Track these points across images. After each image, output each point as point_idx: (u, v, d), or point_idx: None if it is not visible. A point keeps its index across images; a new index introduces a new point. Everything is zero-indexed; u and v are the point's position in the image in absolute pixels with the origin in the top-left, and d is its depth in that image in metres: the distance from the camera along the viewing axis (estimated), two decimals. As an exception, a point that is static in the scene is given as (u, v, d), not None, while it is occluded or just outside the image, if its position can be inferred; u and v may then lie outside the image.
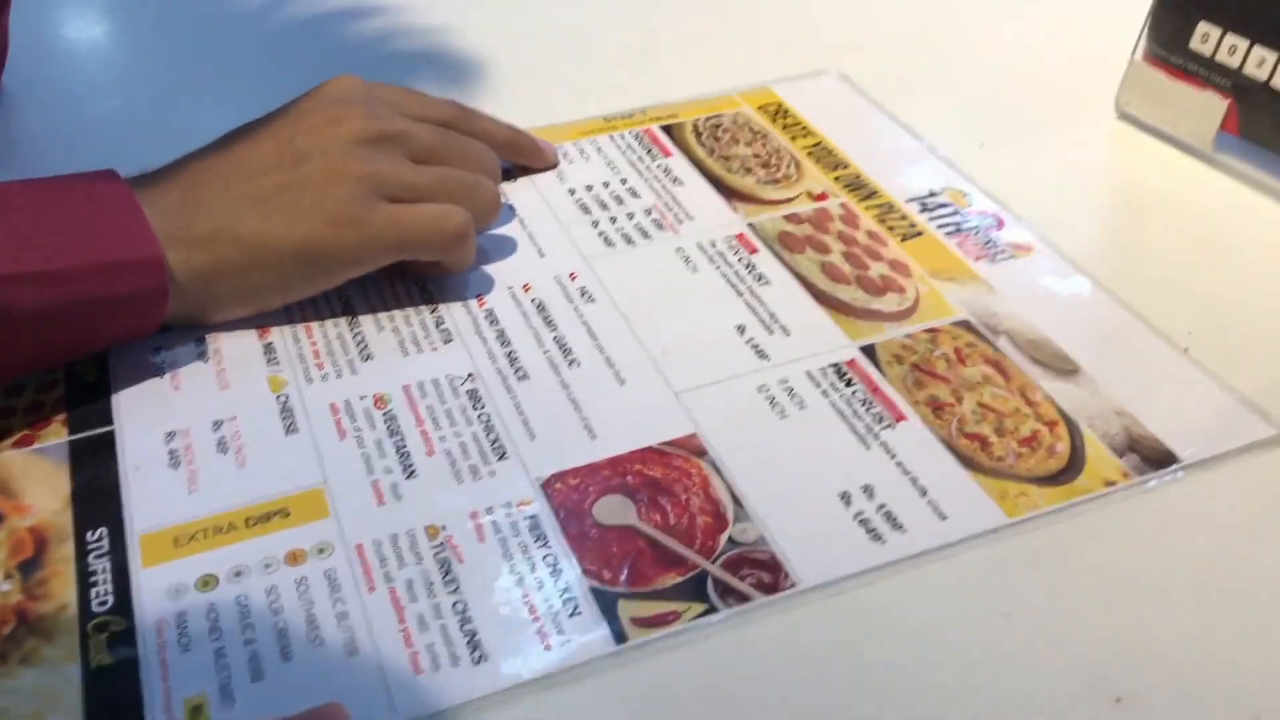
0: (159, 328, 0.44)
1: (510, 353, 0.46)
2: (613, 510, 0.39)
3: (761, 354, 0.46)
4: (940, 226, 0.53)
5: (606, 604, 0.36)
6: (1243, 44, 0.56)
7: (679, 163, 0.57)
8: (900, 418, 0.43)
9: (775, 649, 0.36)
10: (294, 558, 0.38)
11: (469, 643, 0.35)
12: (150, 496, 0.40)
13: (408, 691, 0.34)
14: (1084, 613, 0.37)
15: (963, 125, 0.61)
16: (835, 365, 0.46)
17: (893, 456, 0.42)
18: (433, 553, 0.38)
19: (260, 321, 0.47)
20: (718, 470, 0.41)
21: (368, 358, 0.45)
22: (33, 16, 0.70)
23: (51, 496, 0.40)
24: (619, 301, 0.49)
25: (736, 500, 0.40)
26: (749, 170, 0.57)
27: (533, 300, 0.49)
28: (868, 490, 0.40)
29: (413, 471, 0.41)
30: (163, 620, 0.36)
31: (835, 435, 0.43)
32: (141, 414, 0.43)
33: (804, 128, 0.60)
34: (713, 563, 0.38)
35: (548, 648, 0.35)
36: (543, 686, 0.34)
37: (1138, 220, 0.56)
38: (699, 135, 0.59)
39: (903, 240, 0.52)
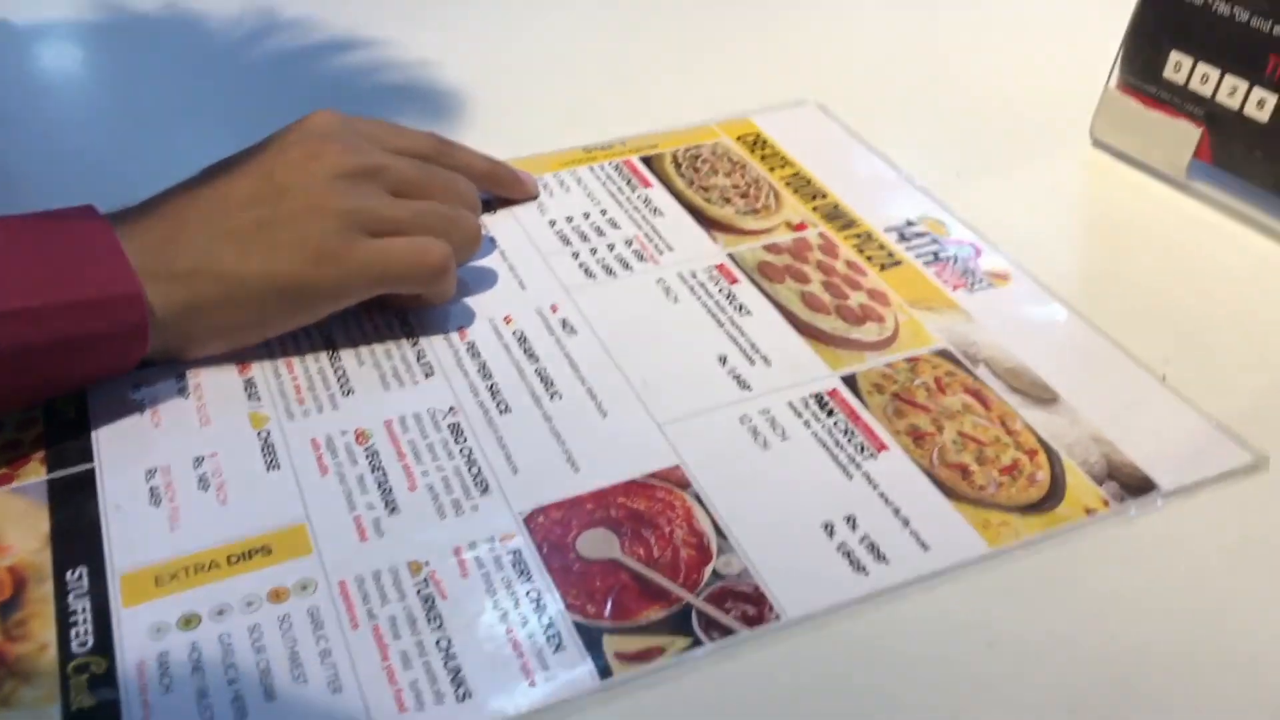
0: (139, 364, 0.44)
1: (492, 385, 0.46)
2: (596, 544, 0.39)
3: (743, 384, 0.46)
4: (918, 256, 0.53)
5: (591, 639, 0.36)
6: (1214, 73, 0.56)
7: (659, 193, 0.58)
8: (882, 447, 0.43)
9: (760, 682, 0.36)
10: (276, 595, 0.38)
11: (453, 680, 0.35)
12: (131, 535, 0.39)
13: (392, 730, 0.34)
14: (1066, 641, 0.37)
15: (939, 155, 0.62)
16: (816, 395, 0.46)
17: (875, 487, 0.42)
18: (415, 589, 0.38)
19: (241, 357, 0.46)
20: (701, 502, 0.41)
21: (349, 392, 0.45)
22: (11, 48, 0.70)
23: (30, 536, 0.39)
24: (600, 333, 0.49)
25: (720, 532, 0.40)
26: (728, 200, 0.57)
27: (514, 332, 0.49)
28: (850, 521, 0.40)
29: (395, 507, 0.41)
30: (144, 660, 0.35)
31: (817, 466, 0.43)
32: (121, 451, 0.42)
33: (782, 158, 0.60)
34: (697, 596, 0.38)
35: (532, 684, 0.35)
36: (527, 723, 0.34)
37: (1114, 247, 0.56)
38: (678, 166, 0.60)
39: (881, 270, 0.53)
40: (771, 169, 0.60)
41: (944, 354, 0.48)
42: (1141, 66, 0.59)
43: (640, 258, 0.53)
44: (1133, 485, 0.42)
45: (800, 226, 0.55)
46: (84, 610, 0.37)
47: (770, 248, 0.54)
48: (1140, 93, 0.60)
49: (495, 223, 0.55)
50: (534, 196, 0.57)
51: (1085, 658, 0.37)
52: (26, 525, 0.40)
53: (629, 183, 0.58)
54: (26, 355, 0.40)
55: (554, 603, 0.37)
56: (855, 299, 0.51)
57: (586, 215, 0.56)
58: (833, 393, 0.46)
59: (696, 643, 0.36)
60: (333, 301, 0.46)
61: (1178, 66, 0.58)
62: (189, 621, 0.37)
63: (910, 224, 0.56)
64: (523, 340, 0.48)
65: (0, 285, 0.40)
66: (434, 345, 0.48)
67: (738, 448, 0.43)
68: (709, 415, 0.45)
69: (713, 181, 0.59)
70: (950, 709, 0.35)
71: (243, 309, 0.45)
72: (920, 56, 0.72)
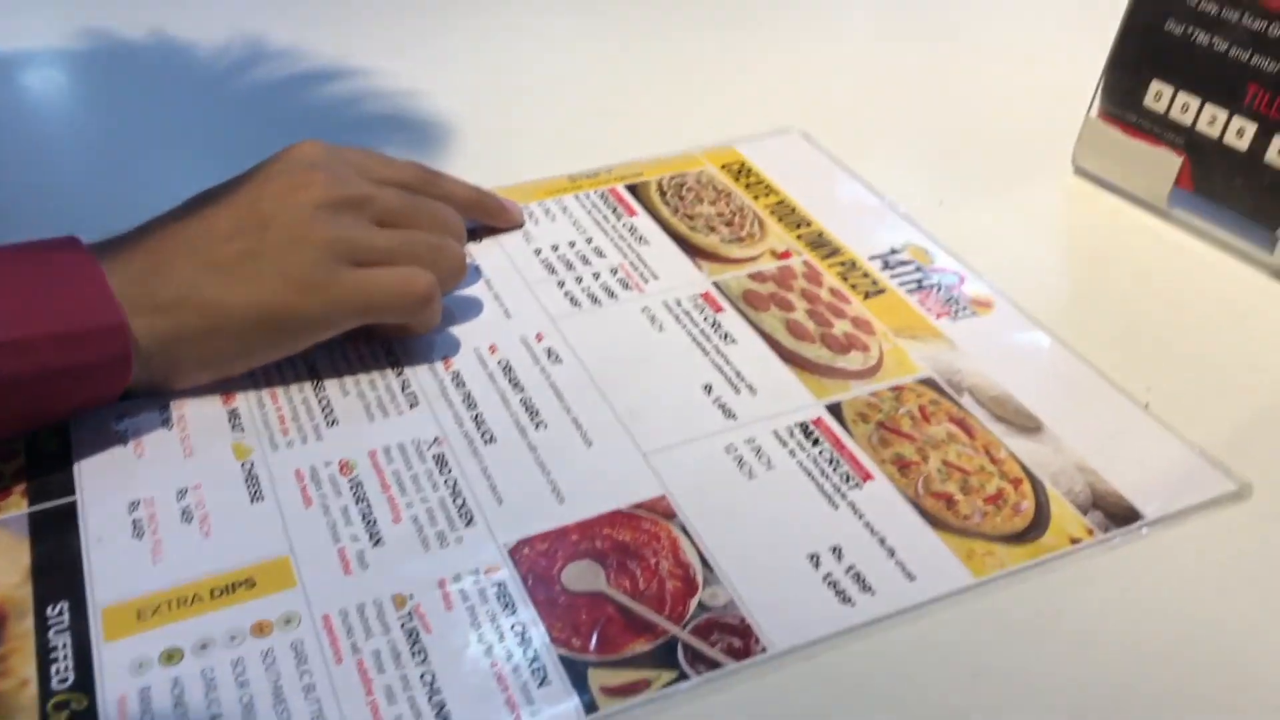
0: (122, 395, 0.44)
1: (477, 415, 0.46)
2: (582, 576, 0.39)
3: (729, 413, 0.46)
4: (902, 284, 0.54)
5: (576, 673, 0.36)
6: (1194, 102, 0.57)
7: (644, 222, 0.58)
8: (867, 477, 0.44)
9: (746, 716, 0.36)
10: (260, 629, 0.37)
11: (437, 715, 0.35)
12: (113, 568, 0.39)
13: (376, 766, 0.34)
14: (1052, 672, 0.37)
15: (923, 182, 0.62)
16: (802, 424, 0.46)
17: (860, 517, 0.42)
18: (400, 623, 0.38)
19: (225, 387, 0.46)
20: (687, 533, 0.41)
21: (333, 423, 0.45)
22: (-6, 78, 0.70)
23: (11, 570, 0.39)
24: (586, 362, 0.49)
25: (706, 563, 0.40)
26: (713, 229, 0.57)
27: (499, 362, 0.49)
28: (836, 551, 0.40)
29: (379, 539, 0.40)
30: (125, 696, 0.35)
31: (803, 496, 0.43)
32: (104, 483, 0.42)
33: (767, 186, 0.61)
34: (683, 628, 0.38)
35: (517, 719, 0.35)
36: (513, 758, 0.34)
37: (1096, 275, 0.57)
38: (664, 194, 0.60)
39: (865, 298, 0.53)
40: (756, 197, 0.60)
41: (928, 382, 0.48)
42: (1122, 95, 0.60)
43: (625, 286, 0.53)
44: (1117, 514, 0.42)
45: (785, 254, 0.56)
46: (65, 646, 0.36)
47: (755, 276, 0.54)
48: (1121, 121, 0.60)
49: (481, 251, 0.55)
50: (520, 225, 0.57)
51: (1070, 688, 0.37)
52: (7, 559, 0.39)
53: (614, 211, 0.58)
54: (9, 387, 0.40)
55: (539, 636, 0.37)
56: (840, 327, 0.51)
57: (572, 244, 0.56)
58: (818, 421, 0.46)
59: (682, 676, 0.36)
60: (317, 332, 0.46)
61: (1158, 96, 0.58)
62: (171, 656, 0.36)
63: (894, 252, 0.56)
64: (508, 370, 0.48)
65: (-18, 317, 0.39)
66: (419, 375, 0.48)
67: (723, 478, 0.43)
68: (694, 445, 0.45)
69: (698, 209, 0.59)
70: (937, 741, 0.35)
71: (227, 340, 0.45)
72: (903, 85, 0.72)
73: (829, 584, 0.39)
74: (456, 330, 0.50)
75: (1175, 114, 0.58)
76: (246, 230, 0.45)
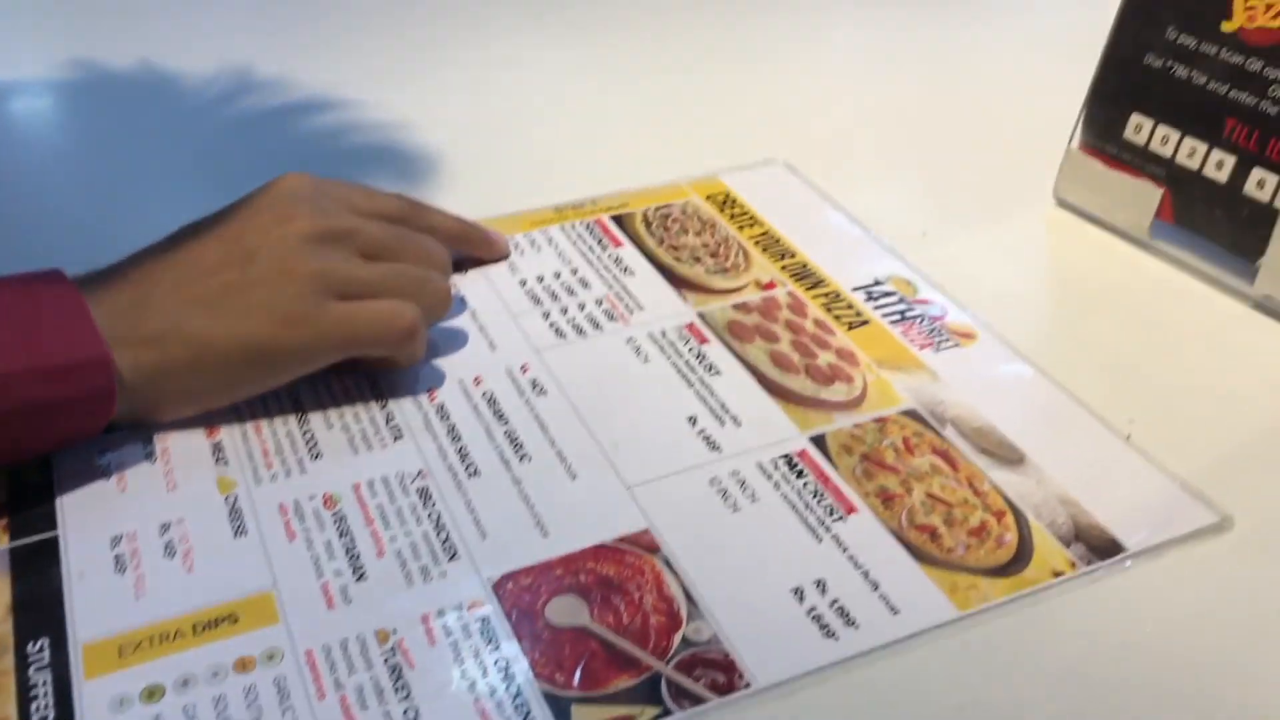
0: (106, 428, 0.44)
1: (461, 448, 0.46)
2: (565, 611, 0.39)
3: (713, 445, 0.46)
4: (885, 315, 0.54)
5: (560, 709, 0.36)
6: (1174, 135, 0.58)
7: (629, 252, 0.58)
8: (851, 510, 0.44)
9: (730, 751, 0.36)
10: (243, 665, 0.37)
11: (420, 752, 0.35)
12: (94, 604, 0.39)
13: (358, 804, 0.34)
14: (1035, 705, 0.37)
15: (906, 214, 0.63)
16: (786, 456, 0.46)
17: (844, 550, 0.42)
18: (383, 658, 0.37)
19: (209, 420, 0.46)
20: (670, 567, 0.41)
21: (317, 456, 0.45)
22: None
23: (-8, 606, 0.39)
24: (570, 394, 0.49)
25: (690, 598, 0.40)
26: (698, 259, 0.58)
27: (484, 394, 0.49)
28: (820, 585, 0.41)
29: (363, 574, 0.40)
30: (106, 734, 0.35)
31: (787, 529, 0.43)
32: (86, 518, 0.42)
33: (751, 217, 0.61)
34: (666, 664, 0.37)
35: (500, 755, 0.35)
36: (495, 796, 0.34)
37: (1078, 306, 0.57)
38: (649, 225, 0.60)
39: (849, 329, 0.53)
40: (741, 228, 0.60)
41: (911, 414, 0.48)
42: (1103, 128, 0.60)
43: (610, 317, 0.53)
44: (1100, 547, 0.42)
45: (769, 285, 0.56)
46: (45, 683, 0.36)
47: (740, 307, 0.54)
48: (1102, 154, 0.61)
49: (466, 282, 0.55)
50: (506, 256, 0.57)
51: (1054, 723, 0.37)
52: (-12, 595, 0.39)
53: (600, 242, 0.59)
54: (-9, 422, 0.40)
55: (522, 672, 0.37)
56: (824, 358, 0.51)
57: (557, 274, 0.56)
58: (802, 454, 0.46)
59: (666, 712, 0.36)
60: (302, 365, 0.46)
61: (1138, 128, 0.59)
62: (152, 694, 0.36)
63: (878, 283, 0.56)
64: (492, 401, 0.48)
65: (-35, 352, 0.39)
66: (403, 407, 0.48)
67: (707, 510, 0.43)
68: (679, 477, 0.45)
69: (683, 240, 0.59)
70: (920, 776, 0.35)
71: (212, 373, 0.45)
72: (887, 117, 0.73)
73: (813, 618, 0.39)
74: (441, 362, 0.50)
75: (1155, 146, 0.58)
76: (232, 263, 0.45)
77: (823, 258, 0.58)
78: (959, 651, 0.39)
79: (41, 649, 0.37)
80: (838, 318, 0.54)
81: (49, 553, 0.41)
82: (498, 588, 0.40)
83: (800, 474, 0.45)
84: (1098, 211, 0.62)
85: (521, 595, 0.40)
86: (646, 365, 0.51)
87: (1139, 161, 0.59)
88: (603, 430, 0.47)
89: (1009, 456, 0.46)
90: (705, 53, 0.80)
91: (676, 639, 0.38)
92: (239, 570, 0.40)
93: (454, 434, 0.46)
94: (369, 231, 0.48)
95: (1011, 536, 0.43)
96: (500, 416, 0.47)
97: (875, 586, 0.41)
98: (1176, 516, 0.44)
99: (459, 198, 0.59)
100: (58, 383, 0.41)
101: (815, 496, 0.44)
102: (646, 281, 0.56)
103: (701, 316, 0.54)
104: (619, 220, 0.60)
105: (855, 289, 0.56)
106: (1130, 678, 0.38)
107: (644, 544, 0.42)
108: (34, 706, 0.36)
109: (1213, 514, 0.44)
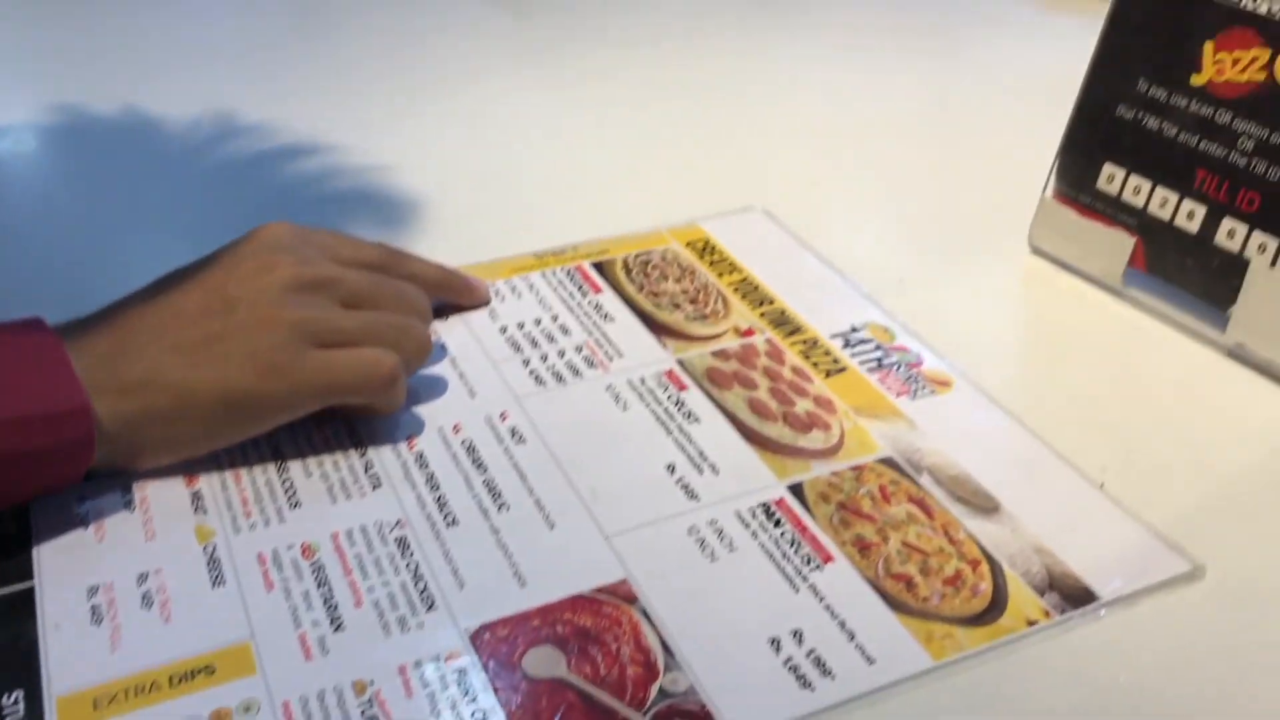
0: (85, 475, 0.44)
1: (439, 497, 0.46)
2: (543, 662, 0.39)
3: (691, 494, 0.47)
4: (863, 362, 0.54)
5: (536, 761, 0.36)
6: (1146, 185, 0.58)
7: (609, 299, 0.58)
8: (828, 559, 0.44)
9: (706, 803, 0.36)
10: (218, 717, 0.37)
11: (396, 805, 0.35)
12: (70, 656, 0.39)
13: None
14: (1010, 757, 0.38)
15: (883, 261, 0.63)
16: (764, 505, 0.46)
17: (821, 599, 0.42)
18: (360, 710, 0.37)
19: (188, 468, 0.46)
20: (648, 617, 0.41)
21: (296, 505, 0.45)
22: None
23: (-33, 658, 0.39)
24: (549, 441, 0.49)
25: (667, 648, 0.40)
26: (677, 306, 0.58)
27: (463, 442, 0.49)
28: (797, 635, 0.41)
29: (340, 624, 0.40)
30: (80, 789, 0.35)
31: (765, 578, 0.43)
32: (63, 568, 0.42)
33: (730, 264, 0.62)
34: (644, 715, 0.38)
35: (476, 809, 0.35)
36: None
37: (1052, 354, 0.58)
38: (629, 271, 0.61)
39: (827, 376, 0.54)
40: (720, 274, 0.61)
41: (888, 462, 0.49)
42: (1076, 177, 0.61)
43: (590, 364, 0.54)
44: (1074, 596, 0.43)
45: (748, 332, 0.56)
46: (19, 737, 0.36)
47: (718, 354, 0.55)
48: (1076, 203, 0.62)
49: (446, 329, 0.56)
50: (486, 303, 0.58)
51: (1029, 774, 0.37)
52: (-37, 646, 0.39)
53: (580, 288, 0.59)
54: (-31, 472, 0.40)
55: (500, 723, 0.37)
56: (802, 406, 0.52)
57: (538, 321, 0.57)
58: (780, 502, 0.46)
59: (642, 764, 0.36)
60: (282, 413, 0.46)
61: (1110, 178, 0.60)
62: (128, 747, 0.36)
63: (855, 330, 0.57)
64: (471, 450, 0.48)
65: (-56, 402, 0.39)
66: (382, 456, 0.48)
67: (685, 560, 0.44)
68: (657, 526, 0.45)
69: (663, 287, 0.59)
70: (896, 829, 0.35)
71: (192, 421, 0.45)
72: (864, 165, 0.74)
73: (789, 668, 0.40)
74: (421, 410, 0.50)
75: (1128, 196, 0.59)
76: (213, 312, 0.45)
77: (801, 304, 0.58)
78: (934, 701, 0.39)
79: (16, 701, 0.37)
80: (815, 365, 0.54)
81: (25, 604, 0.41)
82: (475, 638, 0.40)
83: (778, 523, 0.45)
84: (1072, 260, 0.62)
85: (499, 646, 0.40)
86: (626, 413, 0.51)
87: (1112, 211, 0.60)
88: (581, 479, 0.47)
89: (984, 505, 0.47)
90: (686, 100, 0.80)
91: (654, 690, 0.38)
92: (217, 621, 0.40)
93: (432, 483, 0.47)
94: (350, 280, 0.49)
95: (986, 585, 0.43)
96: (479, 465, 0.48)
97: (852, 636, 0.41)
98: (1150, 566, 0.44)
99: (440, 244, 0.59)
100: (37, 432, 0.41)
101: (793, 545, 0.44)
102: (626, 328, 0.56)
103: (681, 363, 0.54)
104: (599, 267, 0.61)
105: (833, 336, 0.56)
106: (1104, 728, 0.39)
107: (621, 594, 0.42)
108: (8, 760, 0.35)
109: (1185, 563, 0.44)
